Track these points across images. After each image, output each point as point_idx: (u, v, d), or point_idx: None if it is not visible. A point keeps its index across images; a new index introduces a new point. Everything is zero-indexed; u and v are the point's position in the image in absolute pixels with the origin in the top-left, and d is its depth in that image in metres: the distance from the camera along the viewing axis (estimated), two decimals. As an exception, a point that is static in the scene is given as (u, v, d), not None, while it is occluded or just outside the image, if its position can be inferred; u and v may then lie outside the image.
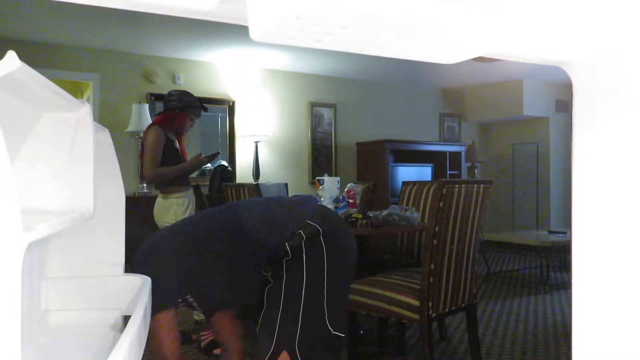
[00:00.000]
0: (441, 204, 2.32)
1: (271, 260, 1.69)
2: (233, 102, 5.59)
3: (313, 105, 6.17)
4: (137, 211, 4.64)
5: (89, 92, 5.17)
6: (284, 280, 1.65)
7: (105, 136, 1.21)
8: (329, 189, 3.10)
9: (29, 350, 0.97)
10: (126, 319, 1.14)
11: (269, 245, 1.67)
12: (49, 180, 0.91)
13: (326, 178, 3.18)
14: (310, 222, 1.67)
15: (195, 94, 3.49)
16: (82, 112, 0.94)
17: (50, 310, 1.11)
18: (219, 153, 3.86)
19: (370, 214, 2.84)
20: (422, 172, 6.50)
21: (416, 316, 2.37)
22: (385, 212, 2.85)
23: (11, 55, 0.55)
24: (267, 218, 1.72)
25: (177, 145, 3.37)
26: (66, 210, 0.88)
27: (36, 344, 1.01)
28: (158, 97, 4.96)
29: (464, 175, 7.00)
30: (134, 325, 0.76)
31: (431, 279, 2.35)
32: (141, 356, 0.82)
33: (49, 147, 0.92)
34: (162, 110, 3.43)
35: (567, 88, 6.86)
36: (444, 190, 2.32)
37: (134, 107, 4.90)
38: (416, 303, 2.37)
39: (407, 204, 3.30)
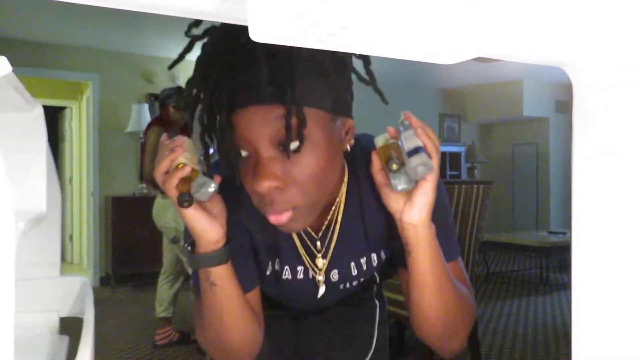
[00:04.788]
0: (441, 204, 2.32)
1: None
2: (233, 103, 5.58)
3: (313, 105, 6.16)
4: (137, 211, 4.67)
5: (88, 92, 5.17)
6: None
7: None
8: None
9: None
10: (63, 320, 1.13)
11: None
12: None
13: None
14: None
15: (195, 94, 3.48)
16: (36, 113, 0.95)
17: None
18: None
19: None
20: (422, 173, 6.49)
21: (416, 316, 2.37)
22: (385, 213, 2.85)
23: (2, 61, 0.55)
24: None
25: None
26: (19, 211, 0.88)
27: None
28: (158, 97, 4.97)
29: (464, 176, 7.01)
30: (91, 325, 0.76)
31: (431, 280, 2.35)
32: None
33: (2, 147, 0.92)
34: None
35: (567, 88, 6.87)
36: (444, 191, 2.32)
37: (134, 107, 4.90)
38: (416, 303, 2.37)
39: (407, 204, 3.30)
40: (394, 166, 0.68)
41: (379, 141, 0.73)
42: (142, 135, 4.52)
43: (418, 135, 0.69)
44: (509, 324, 3.60)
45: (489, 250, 5.64)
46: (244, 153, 0.68)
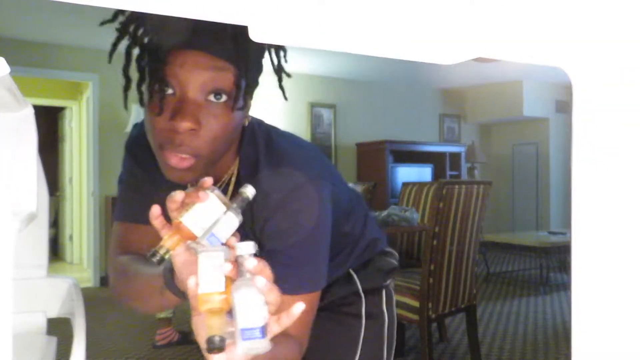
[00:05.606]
0: (441, 204, 2.32)
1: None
2: (233, 103, 5.58)
3: (313, 105, 6.16)
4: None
5: (88, 92, 5.17)
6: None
7: None
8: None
9: None
10: (50, 320, 1.13)
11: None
12: None
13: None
14: (390, 251, 1.09)
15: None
16: (26, 112, 0.95)
17: None
18: None
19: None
20: (422, 173, 6.50)
21: (416, 317, 2.37)
22: (385, 213, 2.85)
23: (1, 63, 0.55)
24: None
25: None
26: (13, 211, 0.88)
27: None
28: (158, 97, 4.97)
29: (464, 176, 7.00)
30: (82, 325, 0.77)
31: (431, 280, 2.34)
32: None
33: None
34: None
35: (567, 88, 6.87)
36: (444, 191, 2.32)
37: (134, 107, 4.90)
38: (416, 304, 2.37)
39: (407, 205, 3.30)
40: (215, 350, 0.54)
41: (206, 284, 0.57)
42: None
43: (269, 305, 0.56)
44: (509, 324, 3.60)
45: (489, 250, 5.64)
46: (169, 91, 0.70)
